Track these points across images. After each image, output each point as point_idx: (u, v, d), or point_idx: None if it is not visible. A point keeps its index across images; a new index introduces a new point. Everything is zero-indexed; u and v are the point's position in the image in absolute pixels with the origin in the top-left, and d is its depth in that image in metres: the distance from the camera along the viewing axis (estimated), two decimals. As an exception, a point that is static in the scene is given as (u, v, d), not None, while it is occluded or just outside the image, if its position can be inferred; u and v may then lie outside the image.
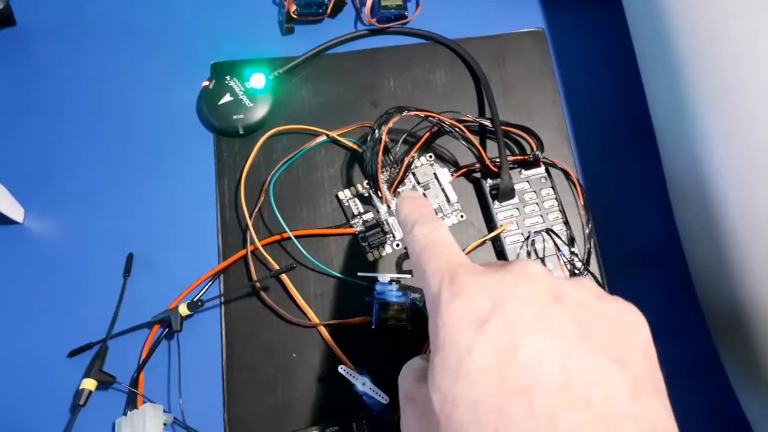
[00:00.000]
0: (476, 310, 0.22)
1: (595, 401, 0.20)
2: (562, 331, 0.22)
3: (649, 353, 0.23)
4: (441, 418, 0.22)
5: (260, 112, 0.46)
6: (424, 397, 0.23)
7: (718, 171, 0.35)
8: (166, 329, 0.41)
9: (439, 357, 0.22)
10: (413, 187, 0.44)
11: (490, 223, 0.44)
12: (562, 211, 0.44)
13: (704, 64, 0.36)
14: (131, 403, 0.40)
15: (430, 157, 0.45)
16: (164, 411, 0.40)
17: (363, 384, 0.38)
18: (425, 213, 0.30)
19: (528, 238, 0.43)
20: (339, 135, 0.45)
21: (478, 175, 0.45)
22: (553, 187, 0.44)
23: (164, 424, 0.39)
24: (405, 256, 0.43)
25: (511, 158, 0.44)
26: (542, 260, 0.42)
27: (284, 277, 0.42)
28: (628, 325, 0.23)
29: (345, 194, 0.44)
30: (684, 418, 0.41)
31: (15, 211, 0.43)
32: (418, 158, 0.45)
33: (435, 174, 0.45)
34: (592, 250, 0.43)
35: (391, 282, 0.41)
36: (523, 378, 0.21)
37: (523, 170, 0.44)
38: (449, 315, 0.23)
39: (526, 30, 0.49)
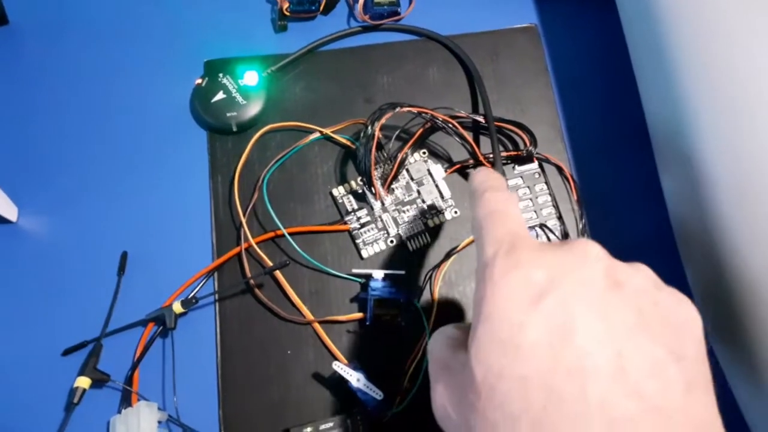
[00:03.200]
0: (532, 285, 0.22)
1: (649, 391, 0.20)
2: (619, 316, 0.21)
3: (701, 349, 0.22)
4: (483, 388, 0.21)
5: (253, 109, 0.45)
6: (462, 366, 0.23)
7: (711, 166, 0.35)
8: (161, 327, 0.41)
9: (486, 327, 0.22)
10: (407, 183, 0.44)
11: (484, 219, 0.44)
12: (556, 207, 0.44)
13: (697, 59, 0.36)
14: (126, 401, 0.40)
15: (424, 153, 0.45)
16: (159, 409, 0.39)
17: (357, 380, 0.38)
18: (500, 184, 0.29)
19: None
20: (332, 132, 0.45)
21: (471, 171, 0.45)
22: (546, 183, 0.44)
23: (159, 422, 0.39)
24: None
25: (504, 154, 0.44)
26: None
27: (278, 274, 0.42)
28: (683, 318, 0.23)
29: (339, 191, 0.44)
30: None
31: (8, 210, 0.43)
32: (412, 154, 0.45)
33: (429, 170, 0.45)
34: (586, 245, 0.43)
35: (385, 278, 0.41)
36: (578, 359, 0.20)
37: (516, 166, 0.44)
38: (502, 286, 0.22)
39: (519, 26, 0.49)
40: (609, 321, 0.21)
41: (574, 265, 0.23)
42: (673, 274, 0.41)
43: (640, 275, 0.23)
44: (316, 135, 0.45)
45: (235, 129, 0.45)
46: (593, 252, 0.23)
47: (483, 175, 0.30)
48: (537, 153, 0.44)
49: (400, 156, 0.43)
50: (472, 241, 0.43)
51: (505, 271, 0.23)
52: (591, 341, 0.21)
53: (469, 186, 0.30)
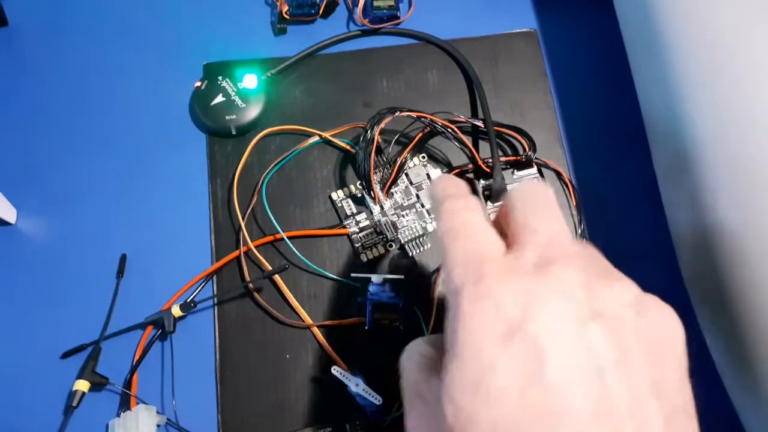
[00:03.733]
0: (503, 319, 0.21)
1: None
2: (596, 352, 0.20)
3: (681, 367, 0.22)
4: (454, 429, 0.20)
5: (253, 112, 0.46)
6: (435, 398, 0.22)
7: (710, 171, 0.35)
8: (160, 330, 0.41)
9: (457, 364, 0.21)
10: (406, 187, 0.44)
11: (483, 223, 0.44)
12: (555, 212, 0.44)
13: (695, 63, 0.36)
14: (124, 404, 0.40)
15: (423, 157, 0.45)
16: (157, 412, 0.40)
17: (356, 385, 0.38)
18: (460, 191, 0.27)
19: (520, 238, 0.43)
20: (332, 135, 0.45)
21: (470, 175, 0.45)
22: (545, 188, 0.44)
23: (157, 426, 0.39)
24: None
25: (503, 159, 0.44)
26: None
27: (277, 277, 0.42)
28: (664, 337, 0.22)
29: (338, 195, 0.44)
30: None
31: (7, 212, 0.43)
32: (411, 159, 0.45)
33: (428, 174, 0.45)
34: (584, 250, 0.43)
35: (384, 283, 0.41)
36: (549, 402, 0.19)
37: (515, 171, 0.45)
38: (472, 320, 0.21)
39: (518, 30, 0.50)
40: (585, 360, 0.20)
41: (549, 296, 0.21)
42: (670, 279, 0.41)
43: (621, 298, 0.22)
44: (316, 138, 0.45)
45: (234, 132, 0.45)
46: (571, 280, 0.22)
47: (441, 184, 0.27)
48: (536, 158, 0.44)
49: (399, 160, 0.43)
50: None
51: (474, 302, 0.21)
52: (564, 384, 0.20)
53: (429, 196, 0.28)
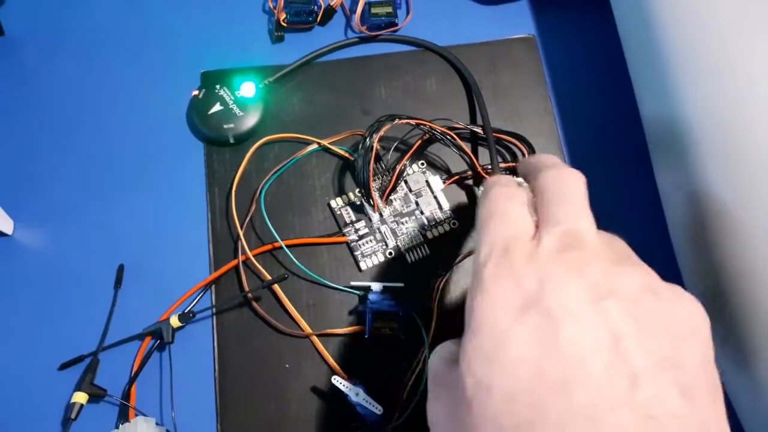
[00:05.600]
0: (520, 294, 0.22)
1: (640, 400, 0.19)
2: (609, 326, 0.21)
3: (705, 354, 0.22)
4: (473, 403, 0.21)
5: (251, 121, 0.45)
6: (455, 381, 0.22)
7: (710, 176, 0.35)
8: (158, 341, 0.41)
9: (474, 340, 0.22)
10: (405, 194, 0.44)
11: (483, 230, 0.43)
12: (555, 218, 0.43)
13: (694, 68, 0.36)
14: (123, 416, 0.40)
15: (422, 164, 0.45)
16: (156, 424, 0.39)
17: (356, 394, 0.38)
18: (508, 180, 0.28)
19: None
20: (330, 143, 0.45)
21: (470, 182, 0.45)
22: (545, 194, 0.44)
23: (156, 438, 0.39)
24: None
25: (502, 165, 0.44)
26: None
27: (276, 287, 0.42)
28: (685, 324, 0.22)
29: (337, 203, 0.44)
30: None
31: (4, 223, 0.43)
32: (410, 166, 0.45)
33: (427, 181, 0.44)
34: (585, 256, 0.43)
35: (384, 291, 0.41)
36: (563, 372, 0.20)
37: (515, 177, 0.44)
38: (490, 295, 0.22)
39: (516, 36, 0.49)
40: (597, 331, 0.21)
41: (566, 275, 0.22)
42: (671, 282, 0.41)
43: (637, 279, 0.23)
44: (314, 146, 0.45)
45: (232, 141, 0.45)
46: (587, 262, 0.23)
47: (494, 177, 0.29)
48: (535, 164, 0.44)
49: (398, 167, 0.43)
50: (471, 253, 0.43)
51: (494, 276, 0.23)
52: (577, 353, 0.20)
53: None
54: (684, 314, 0.22)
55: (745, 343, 0.34)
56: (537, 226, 0.25)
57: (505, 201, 0.26)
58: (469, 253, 0.42)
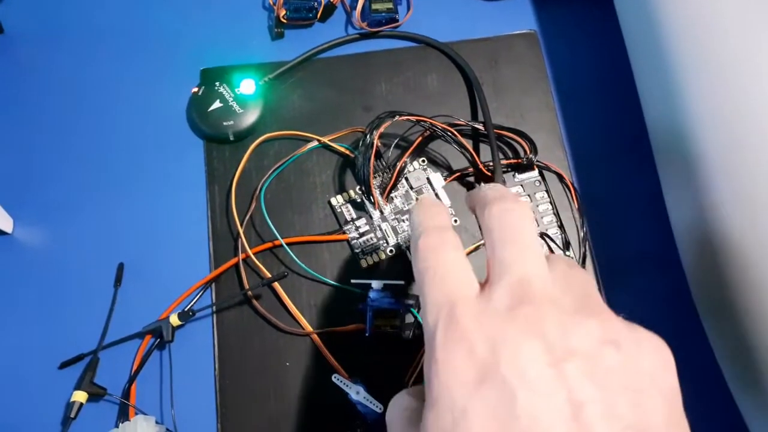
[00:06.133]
0: (474, 363, 0.20)
1: None
2: (569, 393, 0.19)
3: (672, 401, 0.21)
4: None
5: (250, 118, 0.45)
6: None
7: (713, 173, 0.35)
8: (158, 339, 0.41)
9: (433, 414, 0.20)
10: (406, 192, 0.44)
11: (484, 227, 0.43)
12: (557, 215, 0.43)
13: (698, 64, 0.36)
14: (123, 415, 0.40)
15: (423, 161, 0.45)
16: (156, 422, 0.39)
17: (357, 393, 0.38)
18: (436, 224, 0.26)
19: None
20: (331, 140, 0.45)
21: (471, 179, 0.45)
22: (547, 191, 0.44)
23: (156, 436, 0.39)
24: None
25: (504, 162, 0.44)
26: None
27: (276, 285, 0.41)
28: (649, 372, 0.21)
29: (337, 200, 0.44)
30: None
31: (4, 222, 0.43)
32: (411, 163, 0.45)
33: (428, 178, 0.44)
34: (587, 253, 0.43)
35: (384, 289, 0.40)
36: None
37: (516, 174, 0.44)
38: (444, 366, 0.21)
39: (518, 32, 0.49)
40: (557, 400, 0.19)
41: (519, 336, 0.20)
42: (675, 284, 0.41)
43: (598, 334, 0.21)
44: (314, 144, 0.45)
45: (232, 138, 0.45)
46: (542, 319, 0.21)
47: (418, 215, 0.27)
48: (537, 161, 0.44)
49: (399, 164, 0.43)
50: (473, 250, 0.43)
51: (445, 345, 0.21)
52: (536, 426, 0.19)
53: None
54: (647, 363, 0.21)
55: (755, 363, 0.33)
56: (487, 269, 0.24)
57: (437, 254, 0.24)
58: (471, 251, 0.42)
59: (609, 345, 0.21)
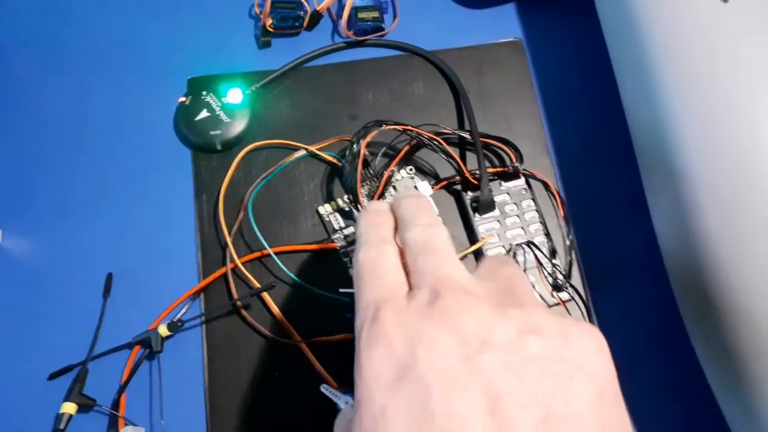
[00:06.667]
0: (392, 362, 0.20)
1: None
2: (484, 386, 0.19)
3: (604, 386, 0.20)
4: None
5: (238, 127, 0.45)
6: None
7: (693, 179, 0.35)
8: (147, 350, 0.41)
9: (357, 416, 0.20)
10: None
11: (472, 235, 0.44)
12: (543, 223, 0.44)
13: (679, 73, 0.36)
14: (113, 426, 0.40)
15: (411, 170, 0.45)
16: (146, 433, 0.39)
17: (346, 403, 0.38)
18: (377, 234, 0.27)
19: (510, 250, 0.42)
20: (318, 149, 0.45)
21: (458, 187, 0.45)
22: (533, 199, 0.44)
23: (146, 447, 0.39)
24: None
25: (490, 170, 0.44)
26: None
27: (265, 294, 0.42)
28: (576, 358, 0.20)
29: (325, 209, 0.44)
30: (667, 429, 0.41)
31: (-10, 233, 0.43)
32: (398, 171, 0.45)
33: (415, 187, 0.44)
34: (574, 261, 0.43)
35: (372, 297, 0.41)
36: None
37: (503, 182, 0.44)
38: (366, 366, 0.21)
39: (503, 40, 0.49)
40: (472, 394, 0.19)
41: (435, 330, 0.20)
42: (661, 289, 0.41)
43: (516, 322, 0.21)
44: (302, 152, 0.45)
45: (219, 147, 0.45)
46: (458, 312, 0.21)
47: (363, 225, 0.28)
48: (523, 169, 0.44)
49: (386, 173, 0.43)
50: (460, 258, 0.43)
51: (368, 345, 0.21)
52: (452, 422, 0.19)
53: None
54: (574, 349, 0.21)
55: (738, 367, 0.34)
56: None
57: (375, 265, 0.25)
58: (463, 257, 0.43)
59: (531, 334, 0.21)
